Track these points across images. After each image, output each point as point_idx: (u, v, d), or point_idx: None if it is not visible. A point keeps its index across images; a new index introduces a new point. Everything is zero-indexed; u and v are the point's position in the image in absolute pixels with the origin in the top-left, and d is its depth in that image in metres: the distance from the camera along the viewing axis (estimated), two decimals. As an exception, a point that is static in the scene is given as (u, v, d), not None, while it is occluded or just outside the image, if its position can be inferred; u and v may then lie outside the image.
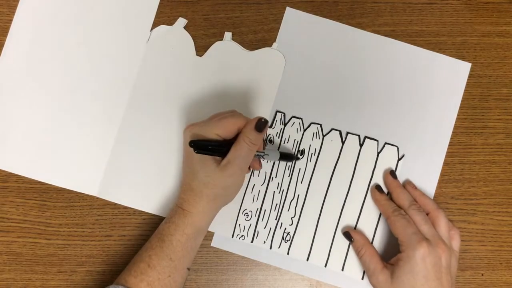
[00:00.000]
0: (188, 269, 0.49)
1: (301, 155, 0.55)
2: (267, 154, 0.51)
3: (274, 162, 0.55)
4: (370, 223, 0.54)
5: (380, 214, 0.54)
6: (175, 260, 0.47)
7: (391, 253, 0.51)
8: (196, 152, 0.46)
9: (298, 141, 0.55)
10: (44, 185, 0.55)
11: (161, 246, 0.48)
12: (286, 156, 0.53)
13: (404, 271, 0.47)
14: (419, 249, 0.47)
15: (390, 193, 0.53)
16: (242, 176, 0.49)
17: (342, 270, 0.54)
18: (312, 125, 0.55)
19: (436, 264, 0.47)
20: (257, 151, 0.49)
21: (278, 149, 0.55)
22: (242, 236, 0.54)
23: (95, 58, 0.56)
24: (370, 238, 0.54)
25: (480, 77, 0.56)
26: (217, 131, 0.47)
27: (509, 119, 0.56)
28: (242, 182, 0.50)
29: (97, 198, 0.55)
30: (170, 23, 0.57)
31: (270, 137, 0.55)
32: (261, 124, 0.47)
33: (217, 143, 0.47)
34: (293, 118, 0.55)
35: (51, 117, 0.56)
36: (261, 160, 0.54)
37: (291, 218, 0.55)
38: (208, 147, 0.47)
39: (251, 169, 0.54)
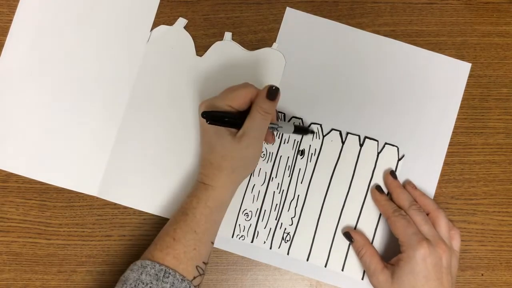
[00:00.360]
0: (212, 243, 0.50)
1: (301, 155, 0.55)
2: (281, 127, 0.51)
3: (273, 163, 0.55)
4: (370, 223, 0.54)
5: (380, 214, 0.54)
6: (199, 233, 0.48)
7: (391, 253, 0.51)
8: (209, 123, 0.46)
9: (298, 141, 0.55)
10: (44, 185, 0.55)
11: (185, 219, 0.48)
12: (300, 129, 0.53)
13: (405, 271, 0.47)
14: (419, 249, 0.47)
15: (390, 194, 0.53)
16: (259, 147, 0.49)
17: (342, 270, 0.54)
18: (312, 125, 0.55)
19: (436, 264, 0.47)
20: (270, 123, 0.49)
21: (292, 123, 0.54)
22: (242, 236, 0.54)
23: (95, 58, 0.56)
24: (370, 238, 0.54)
25: (480, 77, 0.56)
26: (230, 103, 0.48)
27: (509, 119, 0.56)
28: (260, 152, 0.50)
29: (97, 198, 0.55)
30: (170, 23, 0.57)
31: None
32: (272, 92, 0.47)
33: (230, 114, 0.47)
34: (293, 118, 0.55)
35: (51, 117, 0.56)
36: (275, 132, 0.54)
37: (291, 218, 0.55)
38: (221, 118, 0.47)
39: (269, 141, 0.54)
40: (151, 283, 0.45)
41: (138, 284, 0.45)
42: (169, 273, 0.46)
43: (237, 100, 0.48)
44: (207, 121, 0.46)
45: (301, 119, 0.55)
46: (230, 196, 0.50)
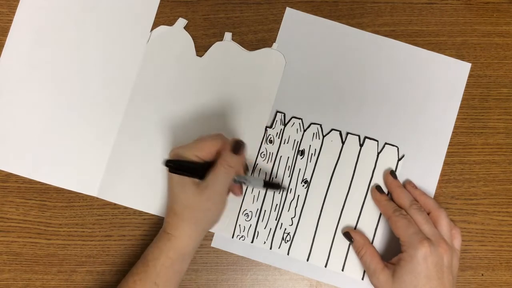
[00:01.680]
0: None
1: (301, 155, 0.55)
2: (249, 181, 0.50)
3: (273, 163, 0.55)
4: (370, 223, 0.54)
5: (380, 214, 0.54)
6: (159, 285, 0.47)
7: (392, 253, 0.51)
8: (170, 171, 0.46)
9: (298, 142, 0.55)
10: (44, 185, 0.55)
11: (146, 270, 0.47)
12: (271, 185, 0.52)
13: (406, 271, 0.47)
14: (421, 248, 0.47)
15: (390, 193, 0.53)
16: (221, 200, 0.48)
17: (342, 270, 0.54)
18: (312, 125, 0.55)
19: (438, 263, 0.47)
20: (237, 176, 0.49)
21: (265, 178, 0.54)
22: (242, 236, 0.54)
23: (95, 58, 0.56)
24: (370, 238, 0.54)
25: (480, 77, 0.56)
26: (197, 152, 0.47)
27: (509, 119, 0.56)
28: (223, 206, 0.49)
29: (97, 198, 0.55)
30: (170, 23, 0.57)
31: (270, 138, 0.55)
32: (237, 146, 0.47)
33: (194, 164, 0.47)
34: (293, 119, 0.55)
35: (51, 117, 0.56)
36: (244, 186, 0.54)
37: (291, 218, 0.55)
38: (182, 167, 0.46)
39: (236, 193, 0.53)
40: None
41: None
42: None
43: (204, 150, 0.47)
44: (169, 170, 0.46)
45: (301, 119, 0.55)
46: (193, 247, 0.49)
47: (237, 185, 0.52)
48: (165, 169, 0.47)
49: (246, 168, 0.54)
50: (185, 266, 0.49)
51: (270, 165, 0.55)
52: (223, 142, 0.48)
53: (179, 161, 0.47)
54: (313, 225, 0.54)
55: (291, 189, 0.55)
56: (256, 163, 0.55)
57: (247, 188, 0.55)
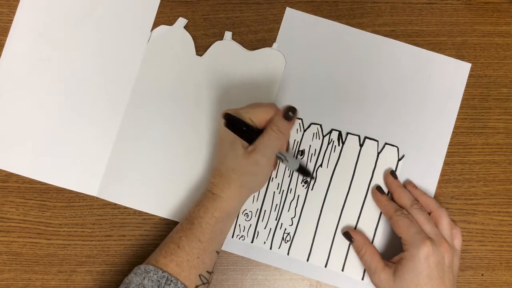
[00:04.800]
0: (217, 252, 0.50)
1: (301, 155, 0.55)
2: (287, 159, 0.50)
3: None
4: (370, 223, 0.54)
5: (380, 214, 0.54)
6: (204, 242, 0.48)
7: (392, 253, 0.51)
8: (225, 125, 0.47)
9: (298, 142, 0.55)
10: (44, 185, 0.55)
11: (191, 228, 0.48)
12: (304, 171, 0.52)
13: (407, 270, 0.47)
14: (422, 248, 0.47)
15: (391, 194, 0.53)
16: (267, 166, 0.48)
17: (342, 270, 0.54)
18: (312, 125, 0.55)
19: (439, 263, 0.47)
20: (279, 152, 0.50)
21: (299, 161, 0.54)
22: (242, 236, 0.54)
23: (95, 58, 0.56)
24: (371, 238, 0.54)
25: (480, 77, 0.56)
26: (251, 116, 0.48)
27: (509, 119, 0.56)
28: (269, 173, 0.50)
29: (97, 198, 0.55)
30: (170, 23, 0.57)
31: None
32: (289, 112, 0.48)
33: (249, 126, 0.48)
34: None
35: (51, 117, 0.56)
36: (278, 162, 0.54)
37: (291, 218, 0.55)
38: (239, 125, 0.47)
39: (277, 165, 0.54)
40: None
41: None
42: (171, 281, 0.46)
43: (259, 115, 0.48)
44: (225, 124, 0.46)
45: (301, 119, 0.55)
46: (237, 208, 0.50)
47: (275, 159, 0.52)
48: (221, 122, 0.48)
49: (288, 146, 0.54)
50: (229, 225, 0.50)
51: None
52: (276, 110, 0.49)
53: (237, 118, 0.47)
54: (313, 225, 0.54)
55: (291, 189, 0.55)
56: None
57: (279, 165, 0.55)
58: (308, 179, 0.54)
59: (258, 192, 0.55)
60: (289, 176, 0.55)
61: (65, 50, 0.56)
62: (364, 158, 0.55)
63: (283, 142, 0.49)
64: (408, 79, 0.56)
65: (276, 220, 0.55)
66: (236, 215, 0.51)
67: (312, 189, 0.55)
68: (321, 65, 0.56)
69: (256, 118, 0.48)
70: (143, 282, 0.46)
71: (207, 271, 0.48)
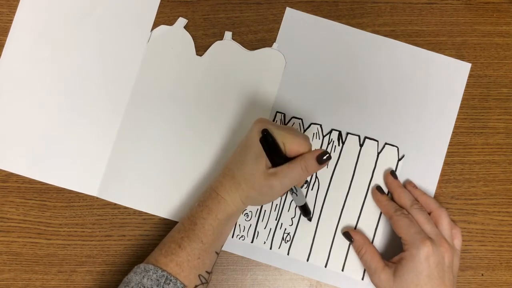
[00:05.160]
0: (217, 253, 0.50)
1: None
2: (297, 194, 0.51)
3: None
4: (371, 223, 0.54)
5: (380, 214, 0.54)
6: (205, 243, 0.48)
7: (392, 253, 0.51)
8: (260, 140, 0.46)
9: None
10: (44, 185, 0.55)
11: (193, 229, 0.48)
12: (305, 210, 0.53)
13: (408, 270, 0.47)
14: (423, 248, 0.47)
15: (391, 194, 0.53)
16: (279, 193, 0.49)
17: (342, 270, 0.54)
18: (312, 125, 0.55)
19: (439, 263, 0.47)
20: (295, 186, 0.50)
21: (305, 198, 0.54)
22: (242, 236, 0.54)
23: (95, 58, 0.56)
24: (371, 238, 0.54)
25: (480, 77, 0.56)
26: (285, 141, 0.47)
27: (509, 119, 0.56)
28: (277, 197, 0.50)
29: (97, 198, 0.55)
30: (170, 23, 0.57)
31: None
32: (324, 158, 0.47)
33: (280, 151, 0.47)
34: (293, 119, 0.55)
35: (51, 117, 0.56)
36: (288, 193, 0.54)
37: (291, 218, 0.55)
38: (272, 147, 0.47)
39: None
40: (152, 287, 0.45)
41: None
42: (170, 280, 0.46)
43: (292, 144, 0.47)
44: (261, 138, 0.46)
45: (301, 119, 0.55)
46: (239, 212, 0.50)
47: None
48: (254, 130, 0.47)
49: (305, 182, 0.55)
50: (230, 227, 0.50)
51: (292, 203, 0.55)
52: (310, 147, 0.49)
53: (273, 139, 0.47)
54: (313, 225, 0.54)
55: (291, 189, 0.55)
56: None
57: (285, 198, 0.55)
58: (306, 218, 0.54)
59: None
60: (289, 176, 0.55)
61: (65, 50, 0.56)
62: (364, 158, 0.55)
63: (305, 179, 0.50)
64: (408, 79, 0.56)
65: (276, 220, 0.55)
66: (238, 218, 0.51)
67: (312, 189, 0.55)
68: (321, 65, 0.56)
69: (289, 145, 0.47)
70: (143, 281, 0.46)
71: (206, 271, 0.48)
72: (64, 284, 0.55)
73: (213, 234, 0.48)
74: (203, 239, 0.48)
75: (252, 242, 0.54)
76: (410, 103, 0.55)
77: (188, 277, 0.47)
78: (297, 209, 0.54)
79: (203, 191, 0.50)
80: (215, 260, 0.50)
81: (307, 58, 0.56)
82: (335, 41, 0.56)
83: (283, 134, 0.47)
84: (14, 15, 0.57)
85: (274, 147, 0.47)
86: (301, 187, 0.53)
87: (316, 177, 0.55)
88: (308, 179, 0.55)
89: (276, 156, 0.47)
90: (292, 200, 0.54)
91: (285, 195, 0.55)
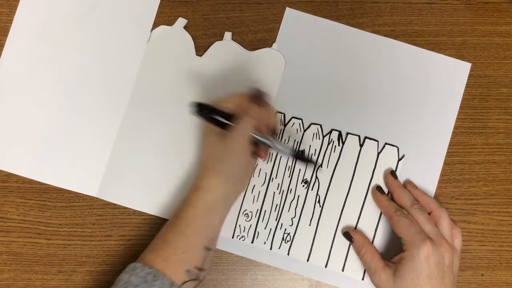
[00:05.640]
0: (208, 249, 0.49)
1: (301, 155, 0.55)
2: (274, 145, 0.48)
3: (273, 163, 0.55)
4: (371, 223, 0.54)
5: (381, 214, 0.54)
6: (189, 236, 0.48)
7: (392, 253, 0.51)
8: (193, 113, 0.47)
9: (298, 142, 0.55)
10: (44, 185, 0.55)
11: (176, 222, 0.48)
12: (301, 157, 0.49)
13: (408, 270, 0.47)
14: (423, 248, 0.47)
15: (391, 194, 0.53)
16: (243, 152, 0.47)
17: (343, 270, 0.54)
18: (312, 125, 0.55)
19: (439, 263, 0.47)
20: (261, 136, 0.48)
21: (291, 146, 0.52)
22: (242, 236, 0.54)
23: (95, 59, 0.56)
24: (371, 238, 0.54)
25: (480, 77, 0.56)
26: (224, 103, 0.48)
27: (509, 119, 0.56)
28: (247, 162, 0.49)
29: (97, 198, 0.55)
30: (170, 23, 0.57)
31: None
32: (255, 94, 0.48)
33: (219, 111, 0.47)
34: (293, 119, 0.55)
35: (51, 117, 0.56)
36: (271, 151, 0.53)
37: (291, 218, 0.55)
38: (208, 111, 0.47)
39: (261, 156, 0.51)
40: (140, 285, 0.45)
41: (128, 286, 0.45)
42: (158, 277, 0.46)
43: (230, 101, 0.48)
44: (196, 112, 0.47)
45: (301, 119, 0.55)
46: (221, 201, 0.49)
47: (263, 147, 0.50)
48: (203, 125, 0.48)
49: (273, 132, 0.52)
50: (215, 220, 0.49)
51: (270, 165, 0.55)
52: (246, 95, 0.49)
53: (207, 105, 0.47)
54: (313, 225, 0.54)
55: (291, 189, 0.55)
56: (283, 134, 0.54)
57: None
58: (310, 166, 0.53)
59: (258, 192, 0.55)
60: (289, 176, 0.55)
61: (65, 50, 0.56)
62: (364, 158, 0.55)
63: (256, 126, 0.48)
64: (408, 79, 0.56)
65: (276, 220, 0.55)
66: (223, 211, 0.49)
67: (312, 189, 0.55)
68: (321, 65, 0.56)
69: (228, 104, 0.48)
70: (130, 279, 0.46)
71: (196, 267, 0.48)
72: (64, 284, 0.55)
73: (195, 226, 0.48)
74: (186, 231, 0.48)
75: (252, 242, 0.54)
76: (410, 103, 0.55)
77: (176, 272, 0.46)
78: (297, 209, 0.54)
79: None
80: (206, 257, 0.49)
81: (307, 58, 0.56)
82: (335, 41, 0.56)
83: (221, 98, 0.49)
84: (14, 15, 0.57)
85: (213, 113, 0.47)
86: (275, 136, 0.51)
87: (316, 177, 0.55)
88: (308, 179, 0.55)
89: (221, 120, 0.47)
90: (292, 201, 0.54)
91: (268, 157, 0.54)
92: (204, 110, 0.47)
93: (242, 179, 0.52)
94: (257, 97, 0.48)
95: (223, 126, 0.48)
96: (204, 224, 0.49)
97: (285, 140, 0.55)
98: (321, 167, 0.55)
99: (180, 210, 0.49)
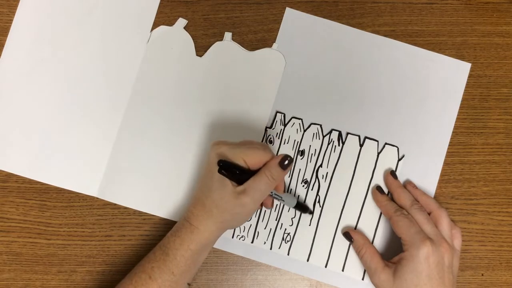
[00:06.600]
0: (189, 284, 0.49)
1: (301, 155, 0.55)
2: (283, 200, 0.51)
3: None
4: (370, 223, 0.54)
5: (381, 214, 0.54)
6: (177, 275, 0.47)
7: (392, 253, 0.51)
8: (219, 172, 0.46)
9: (298, 142, 0.55)
10: (44, 185, 0.55)
11: (165, 259, 0.47)
12: (302, 207, 0.53)
13: (407, 270, 0.47)
14: (422, 248, 0.47)
15: (391, 194, 0.53)
16: (253, 208, 0.48)
17: (343, 270, 0.54)
18: (312, 125, 0.55)
19: (439, 263, 0.47)
20: (276, 194, 0.50)
21: (296, 197, 0.53)
22: (242, 236, 0.54)
23: (95, 59, 0.56)
24: (371, 238, 0.54)
25: (480, 77, 0.56)
26: (246, 158, 0.47)
27: (509, 119, 0.56)
28: (252, 213, 0.49)
29: (97, 198, 0.55)
30: (170, 23, 0.57)
31: (270, 138, 0.55)
32: (286, 162, 0.47)
33: (242, 169, 0.47)
34: (293, 119, 0.55)
35: (51, 117, 0.56)
36: (275, 201, 0.54)
37: (291, 218, 0.55)
38: (234, 170, 0.46)
39: (262, 206, 0.53)
40: None
41: None
42: None
43: (253, 158, 0.47)
44: (219, 170, 0.46)
45: (301, 119, 0.55)
46: (213, 242, 0.49)
47: (270, 198, 0.52)
48: (213, 157, 0.47)
49: (285, 187, 0.54)
50: (203, 257, 0.50)
51: (302, 189, 0.55)
52: (272, 155, 0.48)
53: (231, 163, 0.46)
54: (313, 225, 0.54)
55: (291, 189, 0.55)
56: (289, 184, 0.55)
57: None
58: (308, 214, 0.54)
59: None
60: (289, 177, 0.55)
61: (65, 50, 0.56)
62: (364, 158, 0.55)
63: (274, 187, 0.48)
64: (408, 79, 0.56)
65: (276, 220, 0.55)
66: (211, 247, 0.50)
67: (312, 189, 0.55)
68: (321, 65, 0.56)
69: (250, 159, 0.47)
70: None
71: None
72: (64, 284, 0.55)
73: (185, 265, 0.47)
74: (174, 271, 0.47)
75: (252, 242, 0.54)
76: (410, 103, 0.55)
77: None
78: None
79: (177, 222, 0.50)
80: None
81: (307, 58, 0.56)
82: (335, 41, 0.56)
83: (241, 151, 0.47)
84: (14, 15, 0.57)
85: (235, 170, 0.46)
86: (284, 191, 0.52)
87: (316, 177, 0.55)
88: (308, 179, 0.55)
89: (240, 176, 0.47)
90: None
91: (273, 206, 0.54)
92: (230, 169, 0.46)
93: (240, 225, 0.52)
94: (286, 164, 0.47)
95: (239, 179, 0.47)
96: (194, 263, 0.48)
97: (289, 180, 0.55)
98: (321, 167, 0.55)
99: (170, 248, 0.48)
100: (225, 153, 0.47)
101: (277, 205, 0.55)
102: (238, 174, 0.47)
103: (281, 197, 0.50)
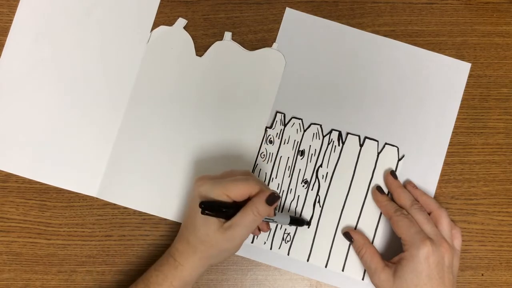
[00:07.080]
0: None
1: (301, 155, 0.55)
2: (276, 222, 0.50)
3: (273, 164, 0.55)
4: (371, 223, 0.54)
5: (381, 214, 0.54)
6: None
7: (392, 253, 0.51)
8: (202, 213, 0.45)
9: (298, 142, 0.55)
10: (44, 185, 0.55)
11: None
12: (297, 222, 0.53)
13: (407, 270, 0.47)
14: (423, 248, 0.47)
15: (391, 194, 0.53)
16: (240, 243, 0.47)
17: (343, 270, 0.54)
18: (312, 125, 0.55)
19: (439, 263, 0.47)
20: (266, 218, 0.49)
21: (289, 215, 0.53)
22: (242, 236, 0.54)
23: (95, 59, 0.56)
24: (371, 238, 0.54)
25: (480, 77, 0.56)
26: (228, 193, 0.46)
27: (509, 119, 0.56)
28: (239, 247, 0.48)
29: (97, 198, 0.55)
30: (170, 23, 0.57)
31: (270, 138, 0.55)
32: (272, 199, 0.46)
33: (227, 205, 0.46)
34: (293, 119, 0.55)
35: (51, 117, 0.56)
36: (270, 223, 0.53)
37: (291, 218, 0.55)
38: (218, 208, 0.45)
39: (263, 230, 0.52)
40: None
41: None
42: None
43: (236, 192, 0.46)
44: (202, 212, 0.45)
45: (301, 119, 0.55)
46: (195, 278, 0.49)
47: (264, 223, 0.51)
48: (196, 196, 0.47)
49: (274, 211, 0.52)
50: None
51: (270, 165, 0.55)
52: (257, 188, 0.47)
53: (214, 203, 0.45)
54: (313, 225, 0.54)
55: (291, 189, 0.55)
56: (281, 202, 0.55)
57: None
58: (304, 226, 0.54)
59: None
60: (289, 176, 0.55)
61: (65, 50, 0.56)
62: (364, 158, 0.55)
63: (261, 221, 0.47)
64: (408, 79, 0.56)
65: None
66: (193, 283, 0.49)
67: (312, 189, 0.55)
68: (321, 65, 0.56)
69: (234, 194, 0.46)
70: None
71: None
72: (64, 284, 0.55)
73: None
74: None
75: (252, 242, 0.54)
76: (410, 103, 0.55)
77: None
78: (297, 209, 0.54)
79: (161, 257, 0.49)
80: None
81: (307, 58, 0.56)
82: (335, 41, 0.56)
83: (223, 187, 0.46)
84: (14, 15, 0.57)
85: (220, 208, 0.45)
86: (275, 214, 0.51)
87: (317, 177, 0.55)
88: (308, 179, 0.55)
89: (226, 212, 0.46)
90: (292, 201, 0.54)
91: (268, 230, 0.53)
92: (214, 209, 0.45)
93: (225, 260, 0.52)
94: (273, 202, 0.46)
95: (227, 217, 0.46)
96: None
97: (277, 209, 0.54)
98: (321, 167, 0.55)
99: (153, 282, 0.47)
100: (207, 191, 0.46)
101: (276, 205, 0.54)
102: (224, 212, 0.46)
103: (274, 220, 0.50)
